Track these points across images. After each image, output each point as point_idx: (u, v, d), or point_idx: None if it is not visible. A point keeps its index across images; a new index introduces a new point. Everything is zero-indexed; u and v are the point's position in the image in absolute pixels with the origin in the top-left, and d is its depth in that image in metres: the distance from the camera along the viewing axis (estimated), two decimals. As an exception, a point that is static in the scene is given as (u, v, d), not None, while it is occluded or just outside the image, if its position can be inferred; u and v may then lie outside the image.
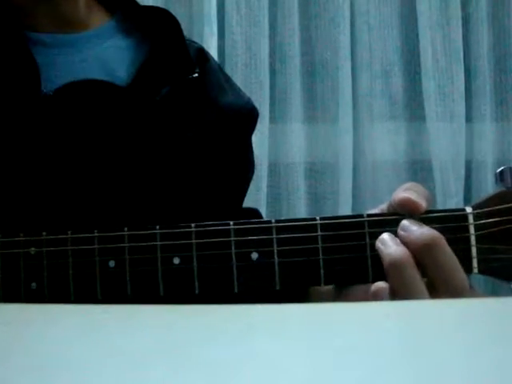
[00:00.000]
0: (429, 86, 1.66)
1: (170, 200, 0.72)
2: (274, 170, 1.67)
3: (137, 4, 0.82)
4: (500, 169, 0.58)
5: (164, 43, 0.76)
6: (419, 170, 1.70)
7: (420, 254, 0.54)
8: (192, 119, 0.76)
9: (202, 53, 0.82)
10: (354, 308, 0.46)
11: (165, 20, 0.78)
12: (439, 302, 0.56)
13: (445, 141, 1.67)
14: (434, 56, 1.67)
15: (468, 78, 1.69)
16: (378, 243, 0.56)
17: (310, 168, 1.69)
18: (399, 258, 0.54)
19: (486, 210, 0.56)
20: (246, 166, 0.84)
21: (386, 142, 1.70)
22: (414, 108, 1.71)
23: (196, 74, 0.76)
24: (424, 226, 0.55)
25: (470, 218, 0.56)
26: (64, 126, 0.70)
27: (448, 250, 0.54)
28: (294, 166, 1.67)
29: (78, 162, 0.69)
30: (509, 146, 1.70)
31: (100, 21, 0.78)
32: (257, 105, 0.88)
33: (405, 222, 0.56)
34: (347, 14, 1.66)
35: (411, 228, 0.55)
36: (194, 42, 0.84)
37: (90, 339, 0.34)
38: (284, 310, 0.42)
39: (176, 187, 0.74)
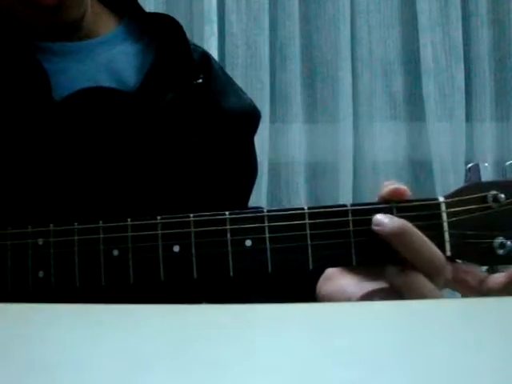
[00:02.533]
0: (429, 85, 1.66)
1: (175, 202, 0.74)
2: (274, 169, 1.67)
3: (143, 10, 0.83)
4: (468, 166, 0.63)
5: (169, 49, 0.78)
6: (419, 170, 1.70)
7: (396, 242, 0.59)
8: (196, 124, 0.78)
9: (206, 57, 0.83)
10: (354, 308, 0.46)
11: (169, 26, 0.80)
12: (439, 301, 0.56)
13: (445, 141, 1.67)
14: (434, 56, 1.67)
15: (468, 78, 1.69)
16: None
17: (310, 168, 1.69)
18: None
19: (456, 199, 0.61)
20: (249, 167, 0.86)
21: (386, 142, 1.69)
22: (414, 108, 1.71)
23: (200, 80, 0.78)
24: (393, 217, 0.59)
25: (443, 206, 0.60)
26: (74, 130, 0.72)
27: (419, 233, 0.59)
28: (294, 165, 1.67)
29: (87, 164, 0.71)
30: (509, 146, 1.70)
31: (108, 27, 0.80)
32: (257, 105, 0.88)
33: (377, 217, 0.59)
34: (347, 14, 1.66)
35: (383, 221, 0.59)
36: (197, 46, 0.85)
37: (90, 339, 0.34)
38: (284, 310, 0.43)
39: (181, 190, 0.75)
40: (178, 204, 0.74)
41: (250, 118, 0.85)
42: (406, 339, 0.34)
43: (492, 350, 0.31)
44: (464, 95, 1.68)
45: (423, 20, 1.67)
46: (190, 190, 0.76)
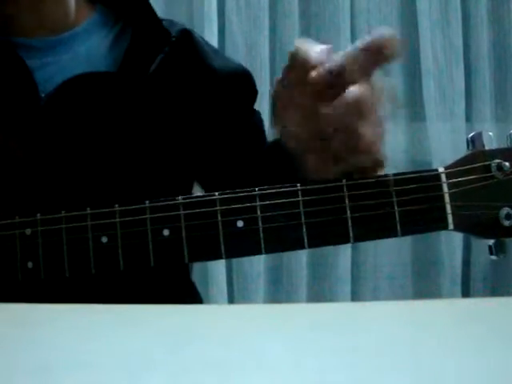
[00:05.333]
0: (429, 86, 1.66)
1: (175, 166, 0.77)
2: (274, 169, 1.67)
3: None
4: (471, 134, 0.60)
5: (144, 28, 0.79)
6: (419, 170, 1.70)
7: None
8: (187, 85, 0.79)
9: (186, 32, 0.83)
10: (355, 308, 0.46)
11: (140, 7, 0.81)
12: (439, 301, 0.56)
13: (445, 141, 1.67)
14: (434, 56, 1.67)
15: (468, 78, 1.69)
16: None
17: (311, 168, 1.69)
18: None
19: (457, 169, 0.58)
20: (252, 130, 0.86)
21: (386, 141, 1.69)
22: (414, 108, 1.71)
23: (173, 39, 0.79)
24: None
25: (443, 177, 0.58)
26: (64, 123, 0.72)
27: None
28: (294, 165, 1.67)
29: (78, 150, 0.72)
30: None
31: (84, 16, 0.80)
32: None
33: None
34: (347, 14, 1.66)
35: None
36: (179, 23, 0.85)
37: (89, 339, 0.34)
38: (284, 310, 0.43)
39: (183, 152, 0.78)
40: (178, 165, 0.77)
41: (241, 74, 0.85)
42: (406, 339, 0.34)
43: (492, 350, 0.31)
44: (464, 95, 1.68)
45: (423, 20, 1.66)
46: (192, 147, 0.79)
